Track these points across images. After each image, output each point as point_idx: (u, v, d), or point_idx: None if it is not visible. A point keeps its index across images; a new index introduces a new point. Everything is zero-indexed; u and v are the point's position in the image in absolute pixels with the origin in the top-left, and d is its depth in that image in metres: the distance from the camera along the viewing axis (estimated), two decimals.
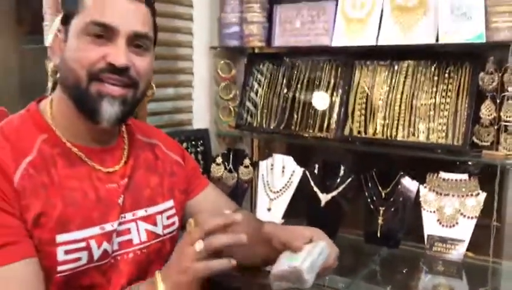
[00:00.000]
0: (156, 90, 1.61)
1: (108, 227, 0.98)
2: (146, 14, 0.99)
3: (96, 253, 0.97)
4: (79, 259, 0.95)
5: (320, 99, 1.76)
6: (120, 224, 1.02)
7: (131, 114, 1.06)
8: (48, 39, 2.38)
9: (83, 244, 0.95)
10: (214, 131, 1.97)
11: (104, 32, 0.93)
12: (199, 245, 0.88)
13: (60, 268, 0.92)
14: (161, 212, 1.10)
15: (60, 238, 0.92)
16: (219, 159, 1.84)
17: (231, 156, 1.87)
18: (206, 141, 1.91)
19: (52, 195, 0.93)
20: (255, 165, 1.85)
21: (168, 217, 1.12)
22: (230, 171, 1.84)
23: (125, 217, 1.03)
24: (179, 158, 1.20)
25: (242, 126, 1.89)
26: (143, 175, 1.09)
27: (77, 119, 0.99)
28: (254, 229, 1.14)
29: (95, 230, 0.97)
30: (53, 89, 1.22)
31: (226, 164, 1.85)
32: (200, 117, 1.96)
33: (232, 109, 1.92)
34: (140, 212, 1.06)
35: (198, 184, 1.24)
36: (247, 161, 1.84)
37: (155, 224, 1.08)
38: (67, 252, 0.93)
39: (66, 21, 0.97)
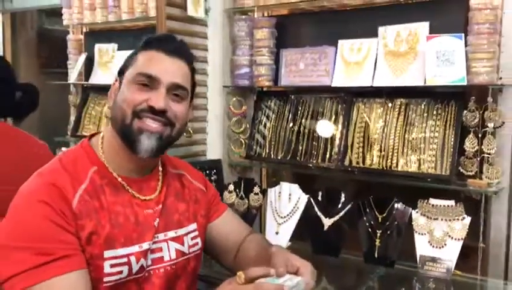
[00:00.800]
0: None
1: (145, 246, 1.14)
2: (184, 69, 1.16)
3: (135, 267, 1.12)
4: (121, 272, 1.10)
5: (325, 128, 1.93)
6: (154, 243, 1.17)
7: (166, 149, 1.21)
8: (72, 76, 2.61)
9: (124, 259, 1.10)
10: (226, 161, 2.15)
11: (148, 82, 1.11)
12: None
13: (105, 279, 1.08)
14: (187, 234, 1.25)
15: (107, 254, 1.08)
16: (231, 187, 2.00)
17: (242, 184, 2.01)
18: (219, 170, 2.08)
19: (102, 218, 1.10)
20: (264, 192, 1.99)
21: (192, 238, 1.27)
22: (241, 198, 1.99)
23: (158, 238, 1.18)
24: (202, 186, 1.36)
25: (252, 157, 2.06)
26: (173, 202, 1.25)
27: (123, 152, 1.15)
28: (263, 248, 1.27)
29: (135, 248, 1.12)
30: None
31: (238, 191, 2.00)
32: (214, 149, 2.14)
33: (242, 141, 2.10)
34: (171, 234, 1.22)
35: (217, 209, 1.39)
36: (256, 189, 1.98)
37: (182, 244, 1.23)
38: (112, 265, 1.09)
39: (122, 72, 1.17)
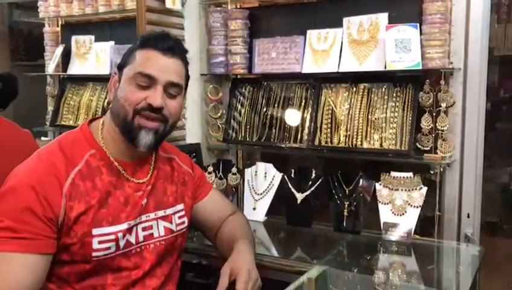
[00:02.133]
0: None
1: (132, 223, 1.26)
2: (179, 67, 1.26)
3: (122, 243, 1.23)
4: (109, 248, 1.21)
5: (293, 116, 2.09)
6: (146, 221, 1.29)
7: (162, 142, 1.33)
8: (50, 67, 2.67)
9: (112, 237, 1.21)
10: (205, 145, 2.27)
11: (147, 81, 1.22)
12: None
13: (94, 254, 1.19)
14: (174, 213, 1.37)
15: (95, 231, 1.19)
16: (210, 169, 2.13)
17: (220, 165, 2.16)
18: (199, 153, 2.21)
19: (92, 198, 1.20)
20: (241, 172, 2.14)
21: (180, 217, 1.39)
22: (220, 178, 2.13)
23: (149, 217, 1.30)
24: (190, 169, 1.48)
25: (229, 140, 2.20)
26: (162, 184, 1.36)
27: (121, 140, 1.26)
28: (232, 237, 1.40)
29: (123, 226, 1.24)
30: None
31: (217, 172, 2.14)
32: (193, 133, 2.26)
33: (220, 125, 2.23)
34: (160, 213, 1.34)
35: (203, 190, 1.51)
36: (234, 169, 2.12)
37: (171, 222, 1.36)
38: (100, 242, 1.20)
39: (121, 68, 1.27)
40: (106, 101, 2.38)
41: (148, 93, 1.22)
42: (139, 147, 1.23)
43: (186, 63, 1.31)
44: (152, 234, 1.31)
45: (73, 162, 1.21)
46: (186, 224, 1.41)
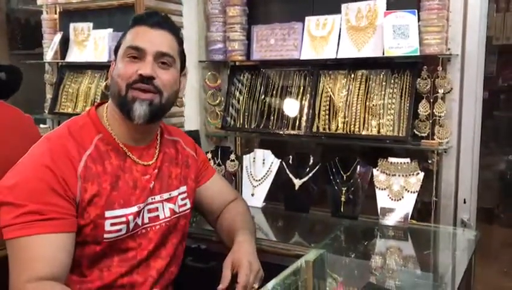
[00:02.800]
0: None
1: (141, 206, 1.28)
2: (169, 39, 1.27)
3: (131, 225, 1.26)
4: (120, 230, 1.24)
5: (291, 103, 2.09)
6: (151, 203, 1.32)
7: (160, 116, 1.31)
8: (48, 55, 2.67)
9: (123, 219, 1.24)
10: (203, 132, 2.28)
11: (137, 53, 1.23)
12: None
13: (106, 236, 1.22)
14: (178, 195, 1.40)
15: (108, 213, 1.21)
16: (209, 155, 2.14)
17: (219, 152, 2.17)
18: (197, 140, 2.19)
19: (104, 181, 1.22)
20: (239, 159, 2.15)
21: (182, 199, 1.41)
22: (219, 164, 2.15)
23: (154, 199, 1.33)
24: (193, 152, 1.50)
25: (227, 127, 2.21)
26: (168, 167, 1.39)
27: (123, 122, 1.27)
28: (232, 225, 1.42)
29: (133, 209, 1.26)
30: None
31: (215, 159, 2.15)
32: (191, 120, 2.27)
33: (218, 113, 2.24)
34: (166, 195, 1.36)
35: (206, 174, 1.53)
36: (232, 156, 2.14)
37: (174, 203, 1.38)
38: (112, 224, 1.22)
39: (116, 51, 1.29)
40: (104, 85, 2.39)
41: (139, 65, 1.23)
42: (134, 118, 1.23)
43: (177, 37, 1.32)
44: (158, 216, 1.34)
45: (84, 146, 1.23)
46: (188, 206, 1.43)
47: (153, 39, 1.25)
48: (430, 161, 1.85)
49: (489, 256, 3.03)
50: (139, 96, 1.23)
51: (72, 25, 2.64)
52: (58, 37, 2.68)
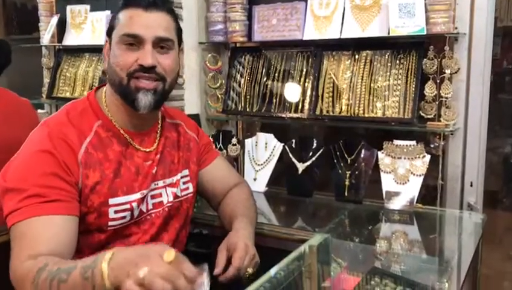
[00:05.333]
0: None
1: (145, 192, 1.25)
2: (166, 20, 1.21)
3: (136, 213, 1.24)
4: (124, 217, 1.22)
5: (293, 86, 2.04)
6: (154, 189, 1.29)
7: (163, 102, 1.28)
8: (45, 38, 2.62)
9: (127, 206, 1.22)
10: (204, 116, 2.24)
11: (134, 41, 1.18)
12: (143, 272, 0.85)
13: (110, 223, 1.20)
14: (180, 179, 1.37)
15: (112, 201, 1.19)
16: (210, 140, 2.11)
17: (220, 136, 2.14)
18: (198, 124, 2.17)
19: (106, 168, 1.19)
20: (241, 143, 2.12)
21: (184, 183, 1.39)
22: (220, 149, 2.11)
23: (157, 184, 1.30)
24: (195, 135, 1.47)
25: (228, 111, 2.17)
26: (170, 152, 1.35)
27: (123, 108, 1.24)
28: (233, 211, 1.40)
29: (137, 195, 1.23)
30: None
31: (217, 143, 2.12)
32: (191, 104, 2.23)
33: (219, 96, 2.20)
34: (168, 180, 1.33)
35: (208, 157, 1.50)
36: (234, 140, 2.10)
37: (177, 188, 1.35)
38: (116, 211, 1.20)
39: (109, 33, 1.23)
40: (102, 70, 2.35)
41: (138, 54, 1.18)
42: (139, 109, 1.20)
43: (173, 15, 1.26)
44: (162, 201, 1.31)
45: (84, 133, 1.20)
46: (190, 190, 1.41)
47: (150, 23, 1.19)
48: (432, 146, 1.81)
49: (494, 240, 3.01)
50: (142, 86, 1.19)
51: (68, 8, 2.59)
52: (54, 19, 2.63)
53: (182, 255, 0.91)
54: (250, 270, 1.22)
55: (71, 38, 2.59)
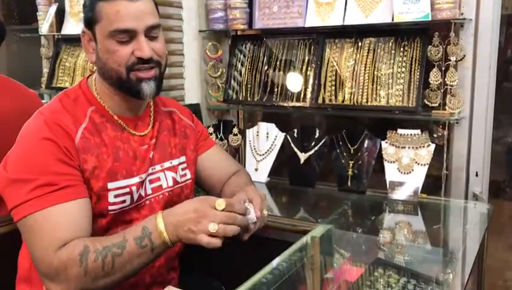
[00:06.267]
0: None
1: (143, 176, 1.25)
2: (149, 6, 1.19)
3: (135, 197, 1.23)
4: (124, 201, 1.21)
5: (295, 74, 2.01)
6: (152, 174, 1.28)
7: (162, 84, 1.28)
8: (43, 28, 2.59)
9: (127, 190, 1.21)
10: (204, 105, 2.21)
11: (127, 35, 1.15)
12: (214, 227, 1.05)
13: (110, 208, 1.19)
14: (179, 165, 1.36)
15: (111, 185, 1.18)
16: (211, 130, 2.08)
17: (221, 126, 2.11)
18: (198, 114, 2.15)
19: (104, 153, 1.19)
20: (242, 133, 2.09)
21: (183, 169, 1.38)
22: (221, 139, 2.09)
23: (155, 169, 1.29)
24: (190, 122, 1.46)
25: (229, 100, 2.13)
26: (166, 136, 1.35)
27: (117, 96, 1.23)
28: (242, 186, 1.37)
29: (136, 179, 1.23)
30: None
31: (217, 133, 2.09)
32: (192, 93, 2.20)
33: (219, 85, 2.16)
34: (167, 164, 1.32)
35: (204, 144, 1.49)
36: (235, 130, 2.08)
37: (176, 173, 1.34)
38: (116, 196, 1.19)
39: (89, 26, 1.20)
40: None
41: (132, 46, 1.17)
42: (144, 98, 1.21)
43: None
44: (161, 185, 1.31)
45: (79, 119, 1.19)
46: (189, 176, 1.40)
47: (138, 14, 1.16)
48: (435, 135, 1.78)
49: (497, 230, 2.99)
50: (143, 76, 1.19)
51: None
52: (53, 8, 2.60)
53: (228, 199, 1.11)
54: (265, 212, 1.24)
55: (70, 28, 2.56)
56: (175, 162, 1.35)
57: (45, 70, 2.72)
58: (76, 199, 1.11)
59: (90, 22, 1.19)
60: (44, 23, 2.61)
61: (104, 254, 1.05)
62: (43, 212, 1.07)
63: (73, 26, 2.54)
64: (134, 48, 1.16)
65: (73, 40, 2.59)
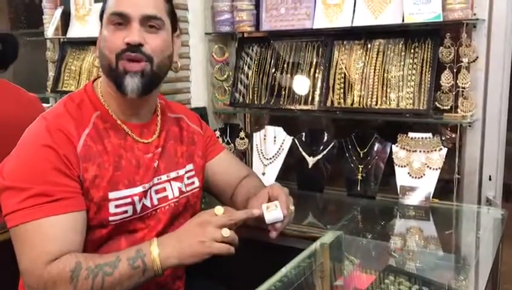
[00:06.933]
0: None
1: (147, 186, 1.21)
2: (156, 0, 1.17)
3: (138, 207, 1.19)
4: (126, 212, 1.17)
5: (303, 77, 1.97)
6: (158, 184, 1.24)
7: (154, 87, 1.21)
8: (49, 31, 2.58)
9: (129, 200, 1.17)
10: (211, 109, 2.18)
11: (121, 20, 1.13)
12: (226, 232, 1.08)
13: (111, 218, 1.15)
14: (185, 173, 1.32)
15: (111, 195, 1.14)
16: (217, 133, 2.06)
17: (227, 130, 2.09)
18: (205, 118, 2.12)
19: (105, 161, 1.15)
20: (249, 136, 2.06)
21: (189, 178, 1.34)
22: (227, 143, 2.06)
23: (161, 179, 1.25)
24: (198, 128, 1.42)
25: (236, 103, 2.10)
26: (172, 145, 1.31)
27: (117, 97, 1.19)
28: (254, 191, 1.35)
29: (138, 189, 1.19)
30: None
31: (224, 137, 2.07)
32: (198, 97, 2.17)
33: (226, 88, 2.13)
34: (173, 174, 1.29)
35: (213, 150, 1.45)
36: (242, 134, 2.05)
37: (182, 182, 1.31)
38: (117, 206, 1.15)
39: (100, 18, 1.19)
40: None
41: (125, 33, 1.13)
42: (126, 92, 1.15)
43: None
44: (166, 196, 1.27)
45: (83, 125, 1.16)
46: (196, 185, 1.36)
47: (137, 2, 1.14)
48: (443, 138, 1.74)
49: (510, 235, 2.93)
50: (129, 69, 1.14)
51: None
52: (58, 12, 2.58)
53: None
54: (292, 208, 1.26)
55: (75, 31, 2.54)
56: (181, 172, 1.31)
57: (51, 73, 2.70)
58: (70, 212, 1.07)
59: (101, 13, 1.19)
60: (50, 26, 2.60)
61: (96, 273, 1.03)
62: (35, 223, 1.04)
63: (79, 29, 2.52)
64: (126, 34, 1.13)
65: (79, 44, 2.57)
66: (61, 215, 1.06)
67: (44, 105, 2.59)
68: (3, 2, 3.52)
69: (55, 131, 1.11)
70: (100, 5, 2.33)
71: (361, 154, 1.80)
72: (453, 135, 1.75)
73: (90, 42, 2.52)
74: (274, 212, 1.19)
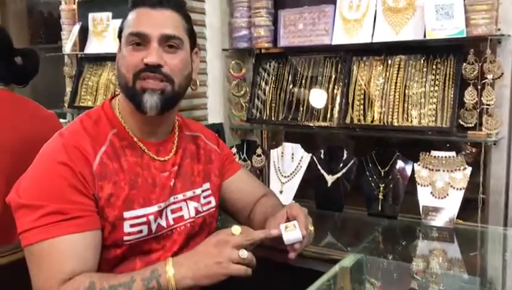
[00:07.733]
0: None
1: (162, 205, 1.19)
2: (174, 19, 1.15)
3: (154, 227, 1.17)
4: (141, 231, 1.15)
5: (321, 93, 1.95)
6: (174, 203, 1.22)
7: (173, 105, 1.20)
8: (67, 47, 2.59)
9: (144, 219, 1.15)
10: (227, 125, 2.17)
11: (140, 40, 1.12)
12: (243, 253, 1.06)
13: (125, 238, 1.13)
14: (201, 193, 1.30)
15: (126, 214, 1.12)
16: (234, 150, 2.03)
17: (244, 146, 2.06)
18: (221, 134, 2.10)
19: (121, 180, 1.13)
20: (266, 153, 2.03)
21: (205, 197, 1.32)
22: (244, 160, 2.03)
23: (177, 198, 1.23)
24: (216, 146, 1.40)
25: (253, 120, 2.08)
26: (189, 164, 1.29)
27: (136, 114, 1.17)
28: (272, 210, 1.32)
29: (154, 208, 1.17)
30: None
31: (240, 153, 2.04)
32: (215, 113, 2.16)
33: (243, 104, 2.12)
34: (189, 193, 1.26)
35: (230, 168, 1.43)
36: (259, 150, 2.02)
37: (198, 202, 1.28)
38: (132, 225, 1.13)
39: (119, 36, 1.18)
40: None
41: (144, 53, 1.12)
42: (145, 110, 1.13)
43: (183, 14, 1.19)
44: (182, 216, 1.25)
45: (99, 142, 1.15)
46: (213, 204, 1.34)
47: (156, 21, 1.13)
48: (463, 153, 1.68)
49: None
50: (148, 86, 1.13)
51: (90, 15, 2.56)
52: (76, 28, 2.60)
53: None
54: (311, 228, 1.24)
55: (93, 47, 2.55)
56: (198, 191, 1.29)
57: (68, 89, 2.72)
58: (85, 231, 1.06)
59: (120, 31, 1.18)
60: (68, 42, 2.62)
61: None
62: (50, 242, 1.02)
63: (96, 45, 2.53)
64: (145, 54, 1.12)
65: (96, 59, 2.59)
66: (76, 234, 1.04)
67: (62, 120, 2.60)
68: (23, 17, 3.56)
69: (71, 148, 1.10)
70: (118, 21, 2.36)
71: (382, 172, 1.76)
72: (473, 150, 1.70)
73: (107, 58, 2.53)
74: (293, 233, 1.16)
